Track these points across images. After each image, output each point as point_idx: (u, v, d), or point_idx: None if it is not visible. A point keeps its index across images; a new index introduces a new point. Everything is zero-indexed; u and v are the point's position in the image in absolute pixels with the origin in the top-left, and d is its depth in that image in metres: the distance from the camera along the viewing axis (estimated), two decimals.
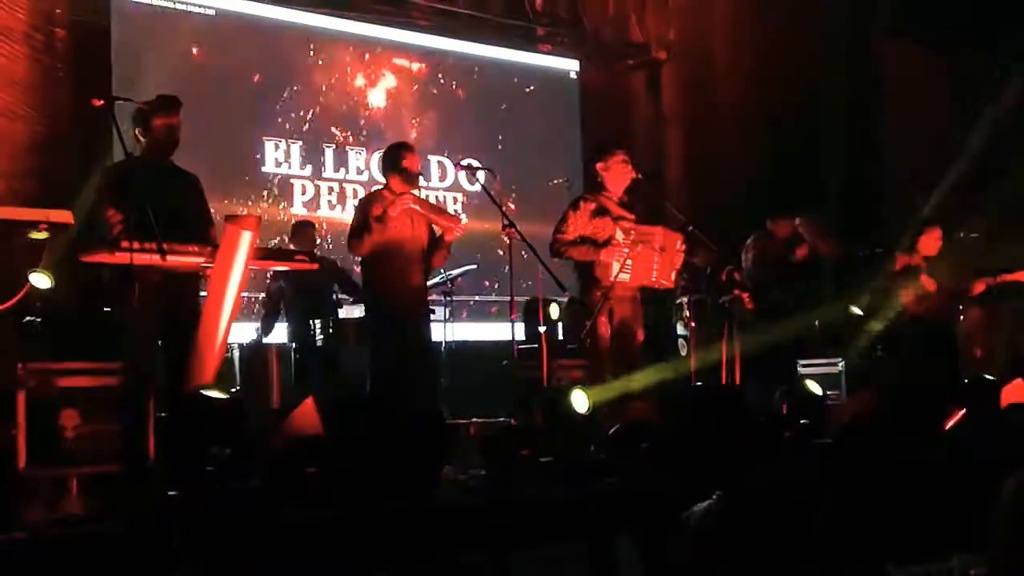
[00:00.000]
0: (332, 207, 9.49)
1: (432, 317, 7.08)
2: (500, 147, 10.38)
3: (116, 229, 5.28)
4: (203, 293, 5.57)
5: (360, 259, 6.80)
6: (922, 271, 8.89)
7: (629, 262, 6.67)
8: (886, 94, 11.33)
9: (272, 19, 9.41)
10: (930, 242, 8.96)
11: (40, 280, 5.28)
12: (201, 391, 4.86)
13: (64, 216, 5.48)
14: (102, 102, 5.06)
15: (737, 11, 11.12)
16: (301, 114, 9.44)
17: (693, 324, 8.43)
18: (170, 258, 5.02)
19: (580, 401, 5.74)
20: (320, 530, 4.24)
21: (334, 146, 9.59)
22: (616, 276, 6.66)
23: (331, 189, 9.54)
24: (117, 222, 5.29)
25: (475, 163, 6.57)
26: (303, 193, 9.37)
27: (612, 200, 6.93)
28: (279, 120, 9.32)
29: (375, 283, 6.61)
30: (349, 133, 9.70)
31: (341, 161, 9.63)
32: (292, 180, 9.33)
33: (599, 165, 7.00)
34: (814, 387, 7.31)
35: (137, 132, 5.58)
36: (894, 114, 11.23)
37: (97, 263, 5.29)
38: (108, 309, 5.51)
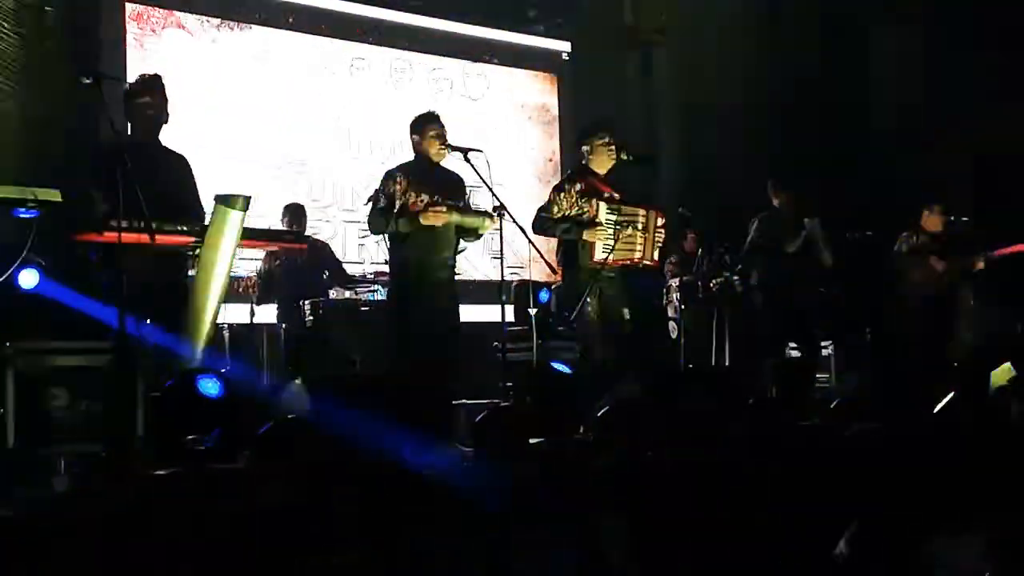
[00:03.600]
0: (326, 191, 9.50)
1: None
2: (492, 129, 10.36)
3: (104, 208, 5.27)
4: (192, 273, 5.56)
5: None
6: (930, 250, 8.89)
7: (612, 243, 6.68)
8: (879, 75, 11.32)
9: (259, 1, 9.40)
10: (934, 220, 8.96)
11: (28, 279, 5.27)
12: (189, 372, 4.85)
13: (52, 195, 5.45)
14: (90, 80, 5.03)
15: None
16: (290, 93, 9.42)
17: (683, 307, 8.44)
18: (158, 238, 5.02)
19: None
20: (303, 510, 4.24)
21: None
22: (602, 257, 6.66)
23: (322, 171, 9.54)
24: (105, 201, 5.28)
25: (466, 144, 6.53)
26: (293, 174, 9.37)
27: (598, 180, 6.93)
28: (266, 96, 9.30)
29: (403, 257, 6.56)
30: (336, 114, 9.68)
31: (327, 144, 9.61)
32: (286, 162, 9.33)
33: (583, 146, 7.01)
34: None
35: (125, 111, 5.57)
36: (887, 93, 11.23)
37: (85, 242, 5.28)
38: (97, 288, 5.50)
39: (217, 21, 9.13)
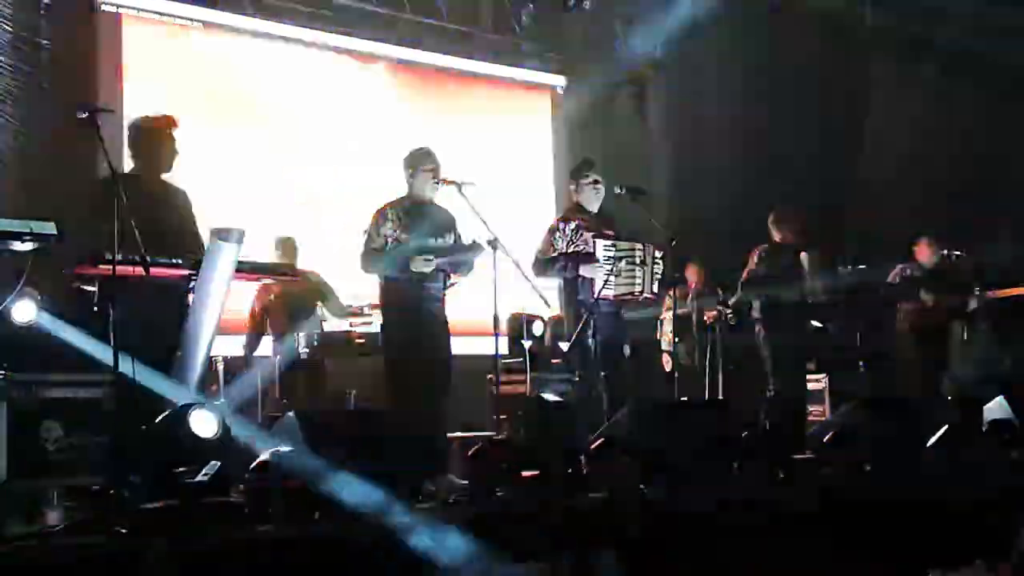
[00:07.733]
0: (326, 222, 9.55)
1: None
2: (485, 163, 10.39)
3: (101, 242, 5.27)
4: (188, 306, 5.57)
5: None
6: (921, 283, 8.93)
7: (611, 278, 6.70)
8: (870, 109, 11.39)
9: (260, 32, 9.44)
10: (926, 252, 9.01)
11: (23, 312, 5.26)
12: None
13: (48, 228, 5.47)
14: (86, 114, 5.05)
15: (722, 28, 11.16)
16: (287, 127, 9.46)
17: (676, 339, 8.45)
18: (154, 271, 5.01)
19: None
20: (295, 544, 4.24)
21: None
22: (599, 292, 6.68)
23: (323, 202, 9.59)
24: (103, 235, 5.29)
25: (459, 178, 6.55)
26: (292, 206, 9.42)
27: (590, 217, 6.98)
28: (266, 132, 9.34)
29: (394, 291, 6.56)
30: (337, 146, 9.73)
31: (329, 174, 9.66)
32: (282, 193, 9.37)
33: (571, 186, 7.14)
34: None
35: (129, 146, 5.61)
36: (879, 129, 11.29)
37: (82, 275, 5.29)
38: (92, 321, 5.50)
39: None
